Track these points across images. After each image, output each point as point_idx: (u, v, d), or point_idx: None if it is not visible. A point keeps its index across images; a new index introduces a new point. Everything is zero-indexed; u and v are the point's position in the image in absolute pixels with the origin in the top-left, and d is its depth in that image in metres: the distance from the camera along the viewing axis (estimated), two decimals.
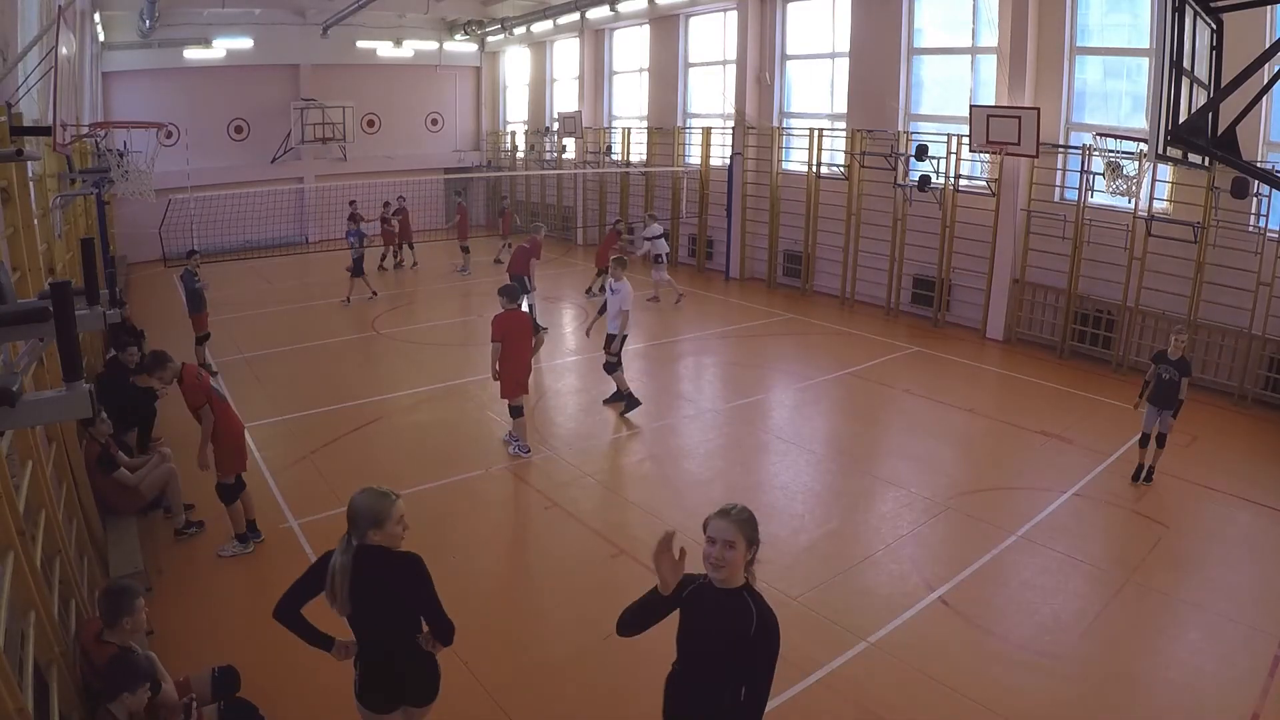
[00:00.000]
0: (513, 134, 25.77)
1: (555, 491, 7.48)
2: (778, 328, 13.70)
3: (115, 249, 16.63)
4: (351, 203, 16.72)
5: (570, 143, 22.20)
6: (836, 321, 14.02)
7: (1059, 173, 12.11)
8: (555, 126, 22.76)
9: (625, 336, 9.38)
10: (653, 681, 4.96)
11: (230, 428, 6.31)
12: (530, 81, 24.96)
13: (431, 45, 24.95)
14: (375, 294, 15.38)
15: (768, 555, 6.28)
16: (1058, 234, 11.86)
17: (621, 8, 19.48)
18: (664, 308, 14.85)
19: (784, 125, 16.79)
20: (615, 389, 9.49)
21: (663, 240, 15.50)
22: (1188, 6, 3.67)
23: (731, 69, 17.63)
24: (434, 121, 25.90)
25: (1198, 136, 3.81)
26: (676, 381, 11.03)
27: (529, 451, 8.24)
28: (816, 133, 15.33)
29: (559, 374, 11.31)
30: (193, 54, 21.00)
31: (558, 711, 4.73)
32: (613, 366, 9.37)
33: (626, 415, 9.28)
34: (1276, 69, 4.24)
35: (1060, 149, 12.00)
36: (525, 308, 12.91)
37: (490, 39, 25.37)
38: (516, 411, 8.20)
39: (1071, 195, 11.78)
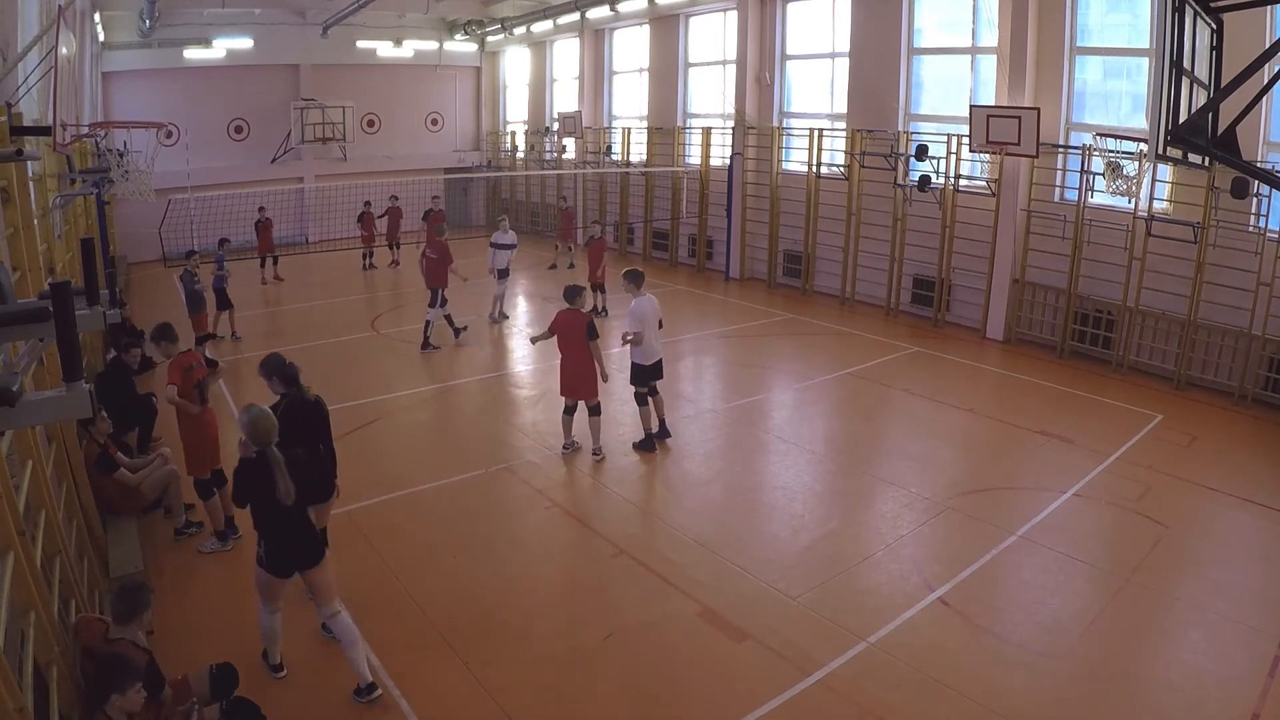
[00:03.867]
0: (513, 134, 25.77)
1: (555, 491, 7.48)
2: (778, 328, 13.69)
3: (115, 249, 16.63)
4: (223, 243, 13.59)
5: (570, 143, 22.21)
6: (836, 321, 14.02)
7: (1059, 173, 12.11)
8: (555, 126, 22.77)
9: (637, 365, 8.33)
10: (653, 681, 4.97)
11: (206, 427, 6.48)
12: (530, 81, 24.97)
13: (431, 45, 24.95)
14: (236, 335, 12.83)
15: (768, 555, 6.34)
16: (1058, 234, 11.86)
17: (621, 8, 19.48)
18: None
19: (784, 125, 16.79)
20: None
21: (505, 253, 13.82)
22: (1188, 6, 3.67)
23: (731, 69, 17.64)
24: (434, 121, 25.91)
25: (1198, 136, 3.81)
26: (676, 381, 11.02)
27: (567, 449, 8.22)
28: (816, 133, 15.33)
29: (559, 374, 11.28)
30: (193, 54, 21.00)
31: (558, 711, 4.73)
32: (639, 398, 8.42)
33: (636, 449, 8.44)
34: (1276, 69, 4.25)
35: (1060, 149, 12.00)
36: (439, 319, 12.04)
37: (490, 39, 25.38)
38: (566, 410, 8.18)
39: (1071, 195, 11.78)
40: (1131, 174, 10.50)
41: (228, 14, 20.76)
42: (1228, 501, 7.32)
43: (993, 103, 12.33)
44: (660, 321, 8.44)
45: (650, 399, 8.47)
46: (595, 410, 8.13)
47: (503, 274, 13.96)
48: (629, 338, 8.18)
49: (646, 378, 8.40)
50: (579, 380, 8.01)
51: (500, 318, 13.93)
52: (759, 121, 17.02)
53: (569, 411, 8.20)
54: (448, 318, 12.30)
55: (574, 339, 7.89)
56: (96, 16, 17.31)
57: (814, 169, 15.43)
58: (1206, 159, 4.35)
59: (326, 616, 4.73)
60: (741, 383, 10.94)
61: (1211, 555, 6.51)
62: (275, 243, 17.83)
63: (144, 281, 17.35)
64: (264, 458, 4.40)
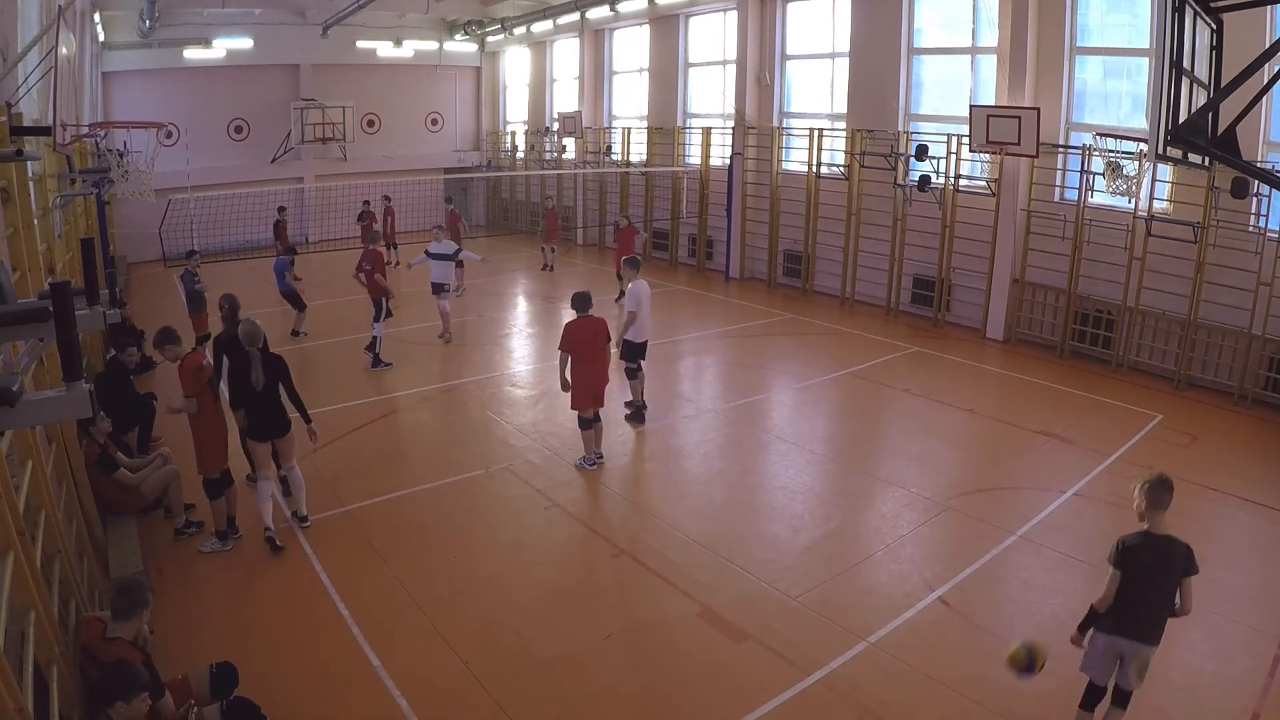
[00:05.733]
0: (513, 134, 25.77)
1: (555, 491, 7.48)
2: (778, 328, 13.69)
3: (115, 249, 16.63)
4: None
5: (570, 143, 22.21)
6: (836, 321, 14.02)
7: (1059, 173, 12.11)
8: (555, 126, 22.77)
9: (629, 341, 8.92)
10: (653, 682, 4.98)
11: (215, 426, 6.45)
12: (530, 81, 24.97)
13: (431, 45, 24.96)
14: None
15: (768, 555, 6.34)
16: (1058, 234, 11.86)
17: (621, 8, 19.48)
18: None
19: (784, 125, 16.79)
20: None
21: (444, 265, 12.41)
22: (1188, 6, 3.67)
23: (731, 69, 17.64)
24: (434, 121, 25.91)
25: (1198, 136, 3.81)
26: (676, 381, 11.03)
27: (593, 465, 7.96)
28: (816, 133, 15.33)
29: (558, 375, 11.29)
30: (193, 54, 21.00)
31: (557, 711, 4.74)
32: (630, 373, 9.10)
33: (629, 420, 9.14)
34: (1276, 69, 4.25)
35: (1060, 149, 12.00)
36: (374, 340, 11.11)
37: (490, 39, 25.38)
38: (584, 424, 7.91)
39: (1071, 195, 11.78)
40: (1131, 174, 10.50)
41: (228, 14, 20.76)
42: (1228, 501, 7.32)
43: (993, 103, 12.33)
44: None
45: (637, 375, 9.06)
46: (599, 417, 8.07)
47: (440, 289, 12.40)
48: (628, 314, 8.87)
49: (635, 354, 8.98)
50: (601, 388, 7.92)
51: (446, 338, 12.54)
52: (759, 121, 17.02)
53: (590, 424, 7.93)
54: (374, 340, 11.16)
55: (597, 346, 7.76)
56: (96, 16, 17.31)
57: (814, 169, 15.43)
58: (1206, 159, 4.35)
59: (286, 470, 6.63)
60: (741, 383, 10.93)
61: (1211, 555, 6.48)
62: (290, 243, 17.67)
63: (144, 281, 17.35)
64: (248, 355, 6.26)
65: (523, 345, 12.77)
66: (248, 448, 6.54)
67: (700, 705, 4.74)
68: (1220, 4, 4.09)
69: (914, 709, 4.70)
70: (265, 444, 6.42)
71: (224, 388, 6.59)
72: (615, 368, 8.88)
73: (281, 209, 17.73)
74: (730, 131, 17.56)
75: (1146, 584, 4.01)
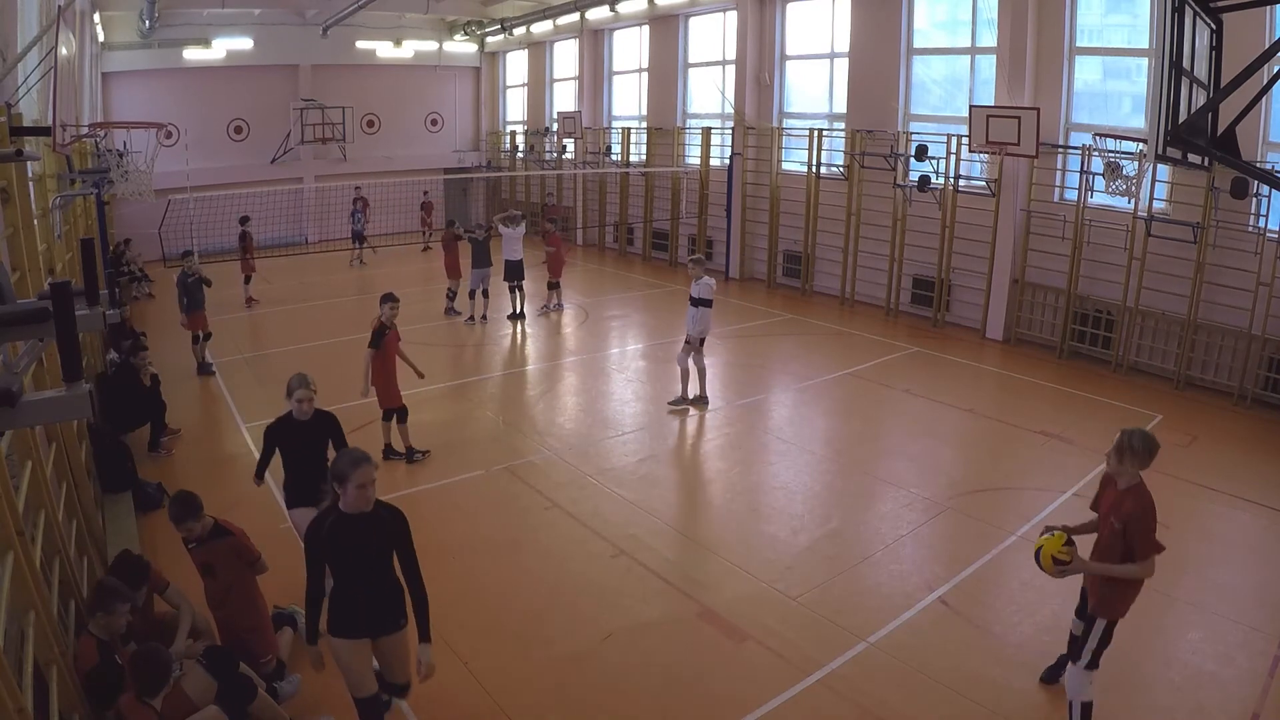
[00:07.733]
0: (512, 134, 25.77)
1: (555, 491, 7.48)
2: (778, 328, 13.69)
3: (115, 249, 16.63)
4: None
5: (570, 143, 22.22)
6: (836, 321, 14.02)
7: (1059, 173, 12.11)
8: (555, 127, 22.78)
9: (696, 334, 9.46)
10: (653, 682, 4.98)
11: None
12: (530, 82, 24.97)
13: (431, 45, 24.96)
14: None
15: (767, 555, 6.34)
16: (1058, 234, 11.86)
17: (621, 8, 19.47)
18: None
19: (783, 125, 16.79)
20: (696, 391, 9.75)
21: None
22: (1188, 6, 3.67)
23: (731, 69, 17.63)
24: (434, 122, 25.90)
25: (1198, 137, 3.81)
26: (675, 381, 11.01)
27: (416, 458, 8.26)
28: (816, 133, 15.33)
29: (559, 374, 11.30)
30: (192, 54, 21.00)
31: (557, 711, 4.73)
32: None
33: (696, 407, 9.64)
34: (1276, 69, 4.25)
35: (1060, 149, 12.00)
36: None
37: (490, 39, 25.37)
38: (396, 417, 8.33)
39: (1071, 195, 11.78)
40: (1131, 174, 10.50)
41: (228, 14, 20.75)
42: (1228, 501, 7.32)
43: (992, 103, 12.33)
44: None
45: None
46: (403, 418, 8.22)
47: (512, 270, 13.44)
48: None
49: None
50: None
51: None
52: (759, 122, 17.02)
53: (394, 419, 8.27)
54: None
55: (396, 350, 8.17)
56: (96, 16, 17.31)
57: (814, 169, 15.43)
58: (1206, 159, 4.35)
59: (397, 684, 4.26)
60: (741, 383, 10.93)
61: (1211, 555, 6.51)
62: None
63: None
64: (351, 520, 3.74)
65: (521, 345, 12.76)
66: (338, 656, 3.89)
67: (700, 705, 4.74)
68: (1220, 4, 4.09)
69: (914, 709, 4.69)
70: (363, 643, 3.89)
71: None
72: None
73: (245, 219, 15.60)
74: (730, 131, 17.56)
75: None
